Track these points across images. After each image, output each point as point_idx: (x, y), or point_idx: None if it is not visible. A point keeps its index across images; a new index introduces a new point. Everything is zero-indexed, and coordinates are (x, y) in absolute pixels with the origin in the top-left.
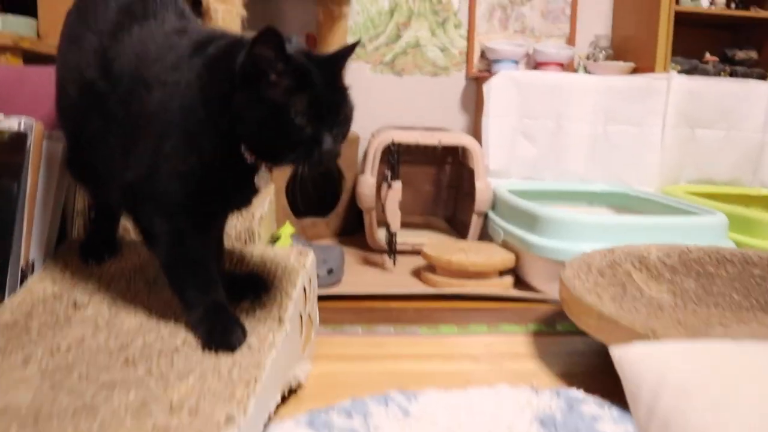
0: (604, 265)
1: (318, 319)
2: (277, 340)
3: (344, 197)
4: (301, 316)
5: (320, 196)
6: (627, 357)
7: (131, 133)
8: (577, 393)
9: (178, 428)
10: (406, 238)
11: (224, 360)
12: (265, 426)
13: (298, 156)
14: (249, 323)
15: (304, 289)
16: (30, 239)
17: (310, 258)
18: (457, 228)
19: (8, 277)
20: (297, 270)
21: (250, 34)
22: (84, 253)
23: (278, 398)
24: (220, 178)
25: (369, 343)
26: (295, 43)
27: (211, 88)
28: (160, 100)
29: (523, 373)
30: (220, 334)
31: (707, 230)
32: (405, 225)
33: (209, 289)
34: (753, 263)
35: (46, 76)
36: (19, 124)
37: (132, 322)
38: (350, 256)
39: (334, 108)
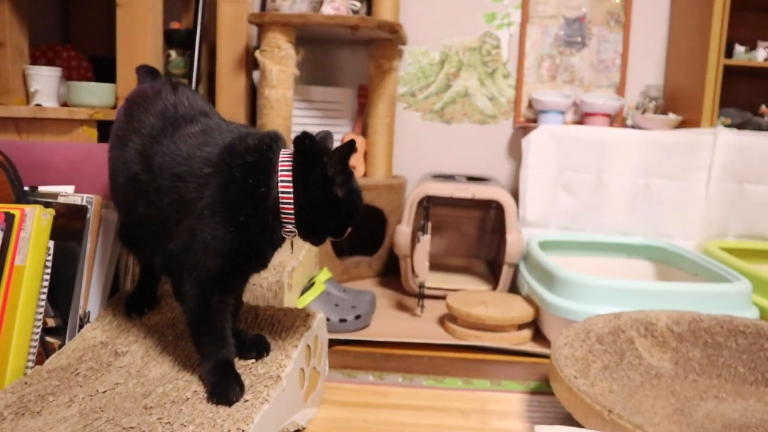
0: (605, 331)
1: (327, 369)
2: (271, 396)
3: (387, 240)
4: (303, 371)
5: (364, 238)
6: None
7: (172, 216)
8: None
9: None
10: (441, 282)
11: (222, 412)
12: None
13: (338, 229)
14: (249, 380)
15: (309, 347)
16: (88, 292)
17: (318, 319)
18: (496, 273)
19: (69, 325)
20: (301, 331)
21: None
22: (128, 306)
23: None
24: (247, 253)
25: (375, 391)
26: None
27: (254, 182)
28: (197, 189)
29: None
30: (222, 390)
31: (727, 298)
32: (446, 268)
33: (222, 347)
34: (766, 336)
35: None
36: (82, 198)
37: (158, 371)
38: (385, 299)
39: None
